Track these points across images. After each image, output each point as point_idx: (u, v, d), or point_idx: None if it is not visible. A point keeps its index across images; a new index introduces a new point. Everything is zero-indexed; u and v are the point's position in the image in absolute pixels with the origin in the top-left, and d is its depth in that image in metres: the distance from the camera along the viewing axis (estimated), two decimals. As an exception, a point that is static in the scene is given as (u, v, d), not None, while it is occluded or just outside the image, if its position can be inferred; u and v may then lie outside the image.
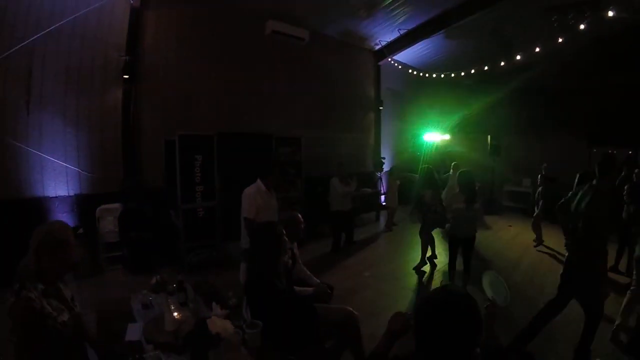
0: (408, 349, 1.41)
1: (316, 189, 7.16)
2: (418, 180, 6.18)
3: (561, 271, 3.25)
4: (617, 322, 3.52)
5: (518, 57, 7.58)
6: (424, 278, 5.40)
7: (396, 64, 9.85)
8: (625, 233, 4.88)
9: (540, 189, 6.83)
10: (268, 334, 2.13)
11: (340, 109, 8.99)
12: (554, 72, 8.87)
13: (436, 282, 5.27)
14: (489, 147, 9.92)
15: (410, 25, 8.01)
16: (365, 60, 9.64)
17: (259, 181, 3.87)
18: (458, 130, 11.07)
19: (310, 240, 6.65)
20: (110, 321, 2.42)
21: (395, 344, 1.60)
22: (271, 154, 6.61)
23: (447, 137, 10.82)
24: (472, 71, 8.67)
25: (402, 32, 8.29)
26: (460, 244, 4.68)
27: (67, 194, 5.24)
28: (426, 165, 6.11)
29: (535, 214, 6.86)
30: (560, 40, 6.87)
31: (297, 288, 2.85)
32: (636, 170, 5.19)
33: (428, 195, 5.53)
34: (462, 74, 8.94)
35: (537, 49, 7.24)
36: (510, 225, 8.48)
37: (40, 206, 4.97)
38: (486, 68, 8.36)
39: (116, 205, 5.40)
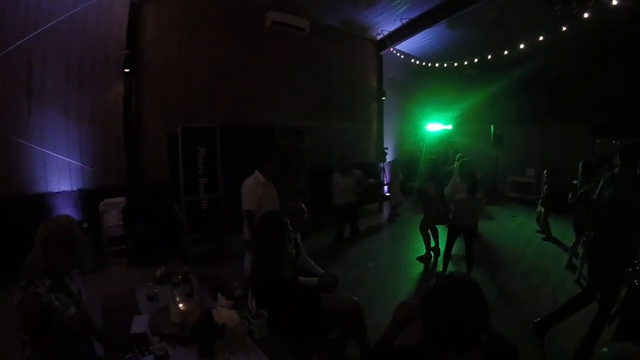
0: (414, 338, 1.42)
1: (319, 180, 7.14)
2: (420, 173, 6.13)
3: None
4: None
5: (521, 47, 7.50)
6: (428, 268, 5.41)
7: (398, 54, 9.75)
8: None
9: (545, 187, 6.60)
10: (273, 324, 2.14)
11: (343, 100, 8.92)
12: (558, 62, 8.75)
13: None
14: (492, 137, 9.85)
15: (412, 15, 7.88)
16: (367, 50, 9.53)
17: (257, 172, 3.86)
18: (461, 120, 10.99)
19: (313, 231, 6.67)
20: (115, 314, 2.43)
21: (400, 333, 1.60)
22: (274, 144, 6.58)
23: (449, 127, 10.75)
24: (475, 60, 8.57)
25: (404, 21, 8.17)
26: (461, 234, 4.68)
27: (70, 189, 5.27)
28: (429, 157, 6.07)
29: (539, 210, 6.64)
30: (563, 29, 6.77)
31: (301, 278, 2.85)
32: None
33: (432, 190, 5.44)
34: (465, 63, 8.84)
35: (541, 38, 7.14)
36: (513, 216, 8.45)
37: (44, 202, 5.01)
38: (489, 57, 8.26)
39: (120, 199, 5.42)
